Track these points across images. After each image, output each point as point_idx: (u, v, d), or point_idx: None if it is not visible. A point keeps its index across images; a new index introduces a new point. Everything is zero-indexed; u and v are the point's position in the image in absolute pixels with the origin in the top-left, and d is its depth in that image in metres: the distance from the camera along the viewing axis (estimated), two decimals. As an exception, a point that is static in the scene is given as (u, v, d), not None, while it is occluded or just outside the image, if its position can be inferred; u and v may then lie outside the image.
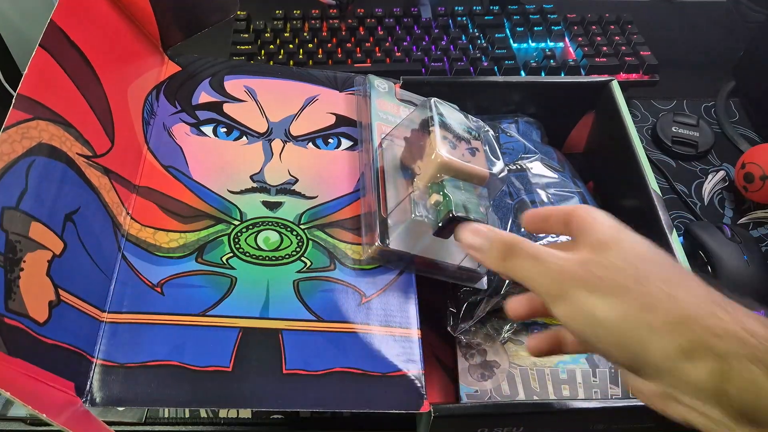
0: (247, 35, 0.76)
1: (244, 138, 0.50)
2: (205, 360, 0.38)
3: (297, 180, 0.48)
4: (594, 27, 0.78)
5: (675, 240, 0.46)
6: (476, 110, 0.59)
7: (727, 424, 0.24)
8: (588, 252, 0.29)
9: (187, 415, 0.49)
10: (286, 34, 0.76)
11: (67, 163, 0.39)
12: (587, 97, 0.60)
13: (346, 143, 0.51)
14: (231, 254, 0.43)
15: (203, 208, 0.45)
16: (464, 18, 0.80)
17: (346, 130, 0.52)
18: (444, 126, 0.43)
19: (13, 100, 0.36)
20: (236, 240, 0.44)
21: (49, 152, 0.38)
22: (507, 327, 0.49)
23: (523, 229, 0.41)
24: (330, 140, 0.51)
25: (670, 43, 0.84)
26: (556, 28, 0.79)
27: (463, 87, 0.60)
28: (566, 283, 0.28)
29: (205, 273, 0.42)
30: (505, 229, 0.47)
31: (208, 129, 0.50)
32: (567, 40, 0.79)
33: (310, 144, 0.51)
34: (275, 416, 0.50)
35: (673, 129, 0.72)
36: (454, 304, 0.48)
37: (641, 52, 0.74)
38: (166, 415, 0.49)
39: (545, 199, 0.53)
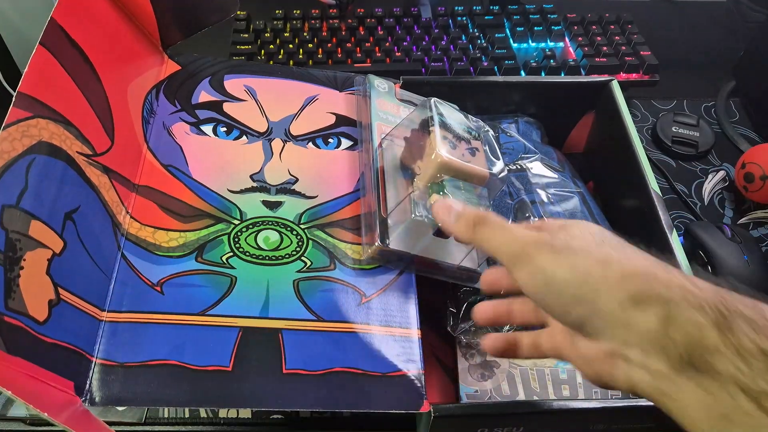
0: (247, 35, 0.76)
1: (244, 137, 0.50)
2: (205, 359, 0.38)
3: (297, 180, 0.48)
4: (594, 27, 0.78)
5: (675, 240, 0.46)
6: (476, 110, 0.59)
7: (669, 377, 0.25)
8: (549, 230, 0.32)
9: (187, 415, 0.49)
10: (286, 34, 0.76)
11: (67, 161, 0.39)
12: (587, 97, 0.60)
13: (346, 143, 0.51)
14: (231, 254, 0.43)
15: (203, 207, 0.45)
16: (464, 18, 0.80)
17: (346, 129, 0.52)
18: (444, 126, 0.43)
19: (14, 98, 0.36)
20: (236, 239, 0.44)
21: (49, 151, 0.37)
22: (506, 327, 0.49)
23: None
24: (330, 140, 0.51)
25: (670, 43, 0.84)
26: (556, 28, 0.79)
27: (463, 87, 0.60)
28: (530, 246, 0.30)
29: (204, 272, 0.42)
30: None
31: (207, 128, 0.50)
32: (567, 40, 0.79)
33: (310, 144, 0.51)
34: (275, 416, 0.50)
35: (674, 129, 0.72)
36: (454, 304, 0.48)
37: (641, 52, 0.74)
38: (166, 415, 0.49)
39: (545, 199, 0.53)
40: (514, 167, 0.55)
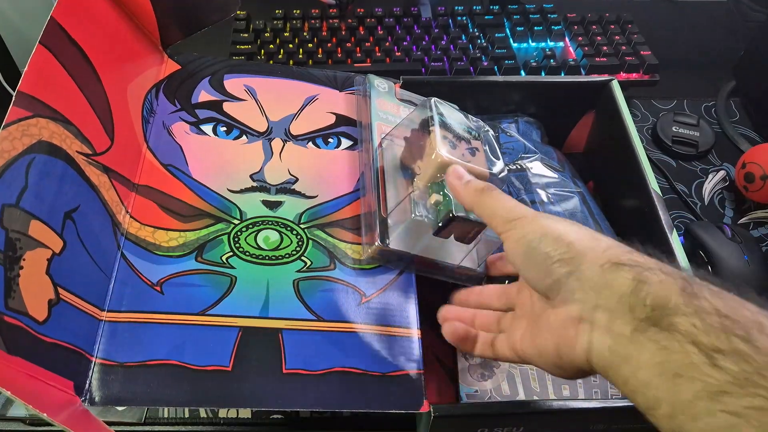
0: (246, 35, 0.76)
1: (244, 137, 0.50)
2: (205, 359, 0.38)
3: (297, 179, 0.48)
4: (594, 26, 0.78)
5: (675, 240, 0.46)
6: (476, 110, 0.59)
7: (630, 338, 0.27)
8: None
9: (187, 415, 0.49)
10: (286, 34, 0.76)
11: (66, 161, 0.39)
12: (587, 97, 0.60)
13: (346, 143, 0.51)
14: (231, 253, 0.43)
15: (203, 207, 0.45)
16: (464, 18, 0.80)
17: (346, 129, 0.52)
18: (444, 126, 0.43)
19: (13, 98, 0.36)
20: (236, 239, 0.44)
21: (49, 150, 0.37)
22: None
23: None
24: (330, 140, 0.51)
25: (670, 42, 0.84)
26: (556, 27, 0.79)
27: (463, 87, 0.60)
28: (527, 212, 0.34)
29: (204, 272, 0.42)
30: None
31: (207, 128, 0.50)
32: (567, 39, 0.79)
33: (310, 143, 0.50)
34: (275, 416, 0.50)
35: (674, 129, 0.72)
36: (454, 304, 0.48)
37: (641, 52, 0.74)
38: (166, 415, 0.49)
39: (545, 199, 0.53)
40: (514, 167, 0.55)
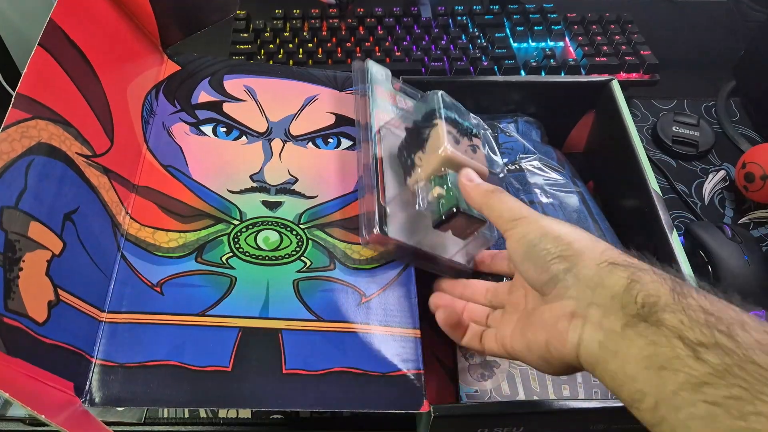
0: (246, 35, 0.76)
1: (244, 137, 0.50)
2: (205, 360, 0.38)
3: (297, 180, 0.48)
4: (594, 26, 0.78)
5: (675, 240, 0.46)
6: (476, 110, 0.59)
7: (620, 334, 0.28)
8: None
9: (187, 415, 0.49)
10: (286, 34, 0.76)
11: (66, 162, 0.39)
12: (587, 97, 0.60)
13: (345, 143, 0.51)
14: (231, 254, 0.43)
15: (203, 207, 0.45)
16: (464, 17, 0.80)
17: (346, 129, 0.52)
18: (449, 120, 0.43)
19: (12, 99, 0.36)
20: (236, 240, 0.44)
21: (49, 151, 0.37)
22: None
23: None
24: (330, 140, 0.51)
25: (670, 42, 0.84)
26: (556, 27, 0.79)
27: (463, 87, 0.60)
28: (531, 212, 0.35)
29: (204, 273, 0.42)
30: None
31: (207, 128, 0.50)
32: (567, 39, 0.78)
33: (310, 144, 0.50)
34: (275, 416, 0.50)
35: (674, 128, 0.72)
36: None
37: (641, 52, 0.74)
38: (166, 416, 0.49)
39: (544, 200, 0.53)
40: (513, 167, 0.55)
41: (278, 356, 0.39)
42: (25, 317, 0.33)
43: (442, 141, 0.41)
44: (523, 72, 0.74)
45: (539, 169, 0.55)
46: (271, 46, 0.75)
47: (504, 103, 0.61)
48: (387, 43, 0.76)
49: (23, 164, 0.35)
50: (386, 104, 0.51)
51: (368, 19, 0.78)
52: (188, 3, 0.51)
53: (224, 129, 0.50)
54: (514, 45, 0.77)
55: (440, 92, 0.45)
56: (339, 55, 0.75)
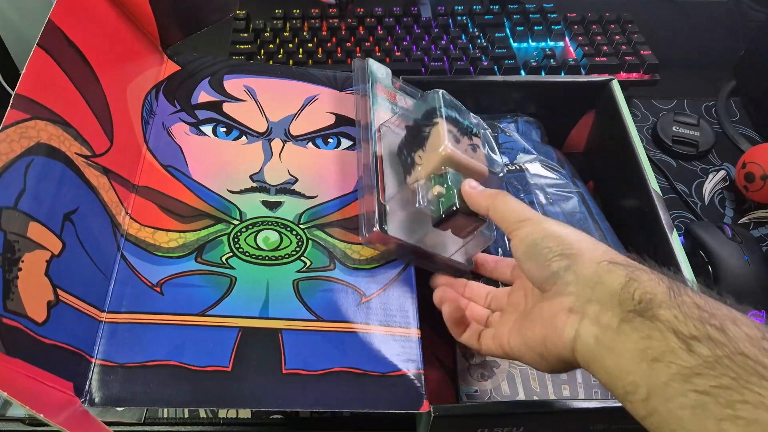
0: (246, 34, 0.76)
1: (244, 137, 0.50)
2: (205, 360, 0.38)
3: (297, 180, 0.48)
4: (594, 26, 0.78)
5: (675, 240, 0.46)
6: (476, 110, 0.59)
7: (616, 329, 0.29)
8: None
9: (187, 416, 0.49)
10: (286, 34, 0.76)
11: (65, 162, 0.39)
12: (587, 97, 0.60)
13: (345, 143, 0.51)
14: (230, 254, 0.43)
15: (203, 207, 0.45)
16: (464, 17, 0.80)
17: (346, 129, 0.52)
18: (450, 119, 0.43)
19: (11, 100, 0.35)
20: (236, 240, 0.44)
21: (48, 152, 0.37)
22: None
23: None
24: (330, 140, 0.51)
25: (670, 42, 0.84)
26: (556, 27, 0.79)
27: (463, 87, 0.60)
28: (535, 215, 0.36)
29: (204, 273, 0.42)
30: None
31: (207, 128, 0.49)
32: (567, 39, 0.78)
33: (310, 144, 0.50)
34: (275, 416, 0.50)
35: (674, 128, 0.72)
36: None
37: (642, 52, 0.74)
38: (165, 416, 0.49)
39: (543, 200, 0.53)
40: (513, 167, 0.55)
41: (278, 356, 0.39)
42: (24, 317, 0.33)
43: (443, 140, 0.41)
44: (523, 72, 0.74)
45: (539, 169, 0.55)
46: (271, 46, 0.75)
47: (504, 103, 0.61)
48: (387, 43, 0.76)
49: (22, 165, 0.35)
50: (386, 103, 0.51)
51: (368, 19, 0.78)
52: (188, 3, 0.51)
53: (224, 129, 0.50)
54: (514, 45, 0.77)
55: (441, 91, 0.45)
56: (339, 55, 0.75)
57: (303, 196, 0.47)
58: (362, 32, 0.77)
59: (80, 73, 0.42)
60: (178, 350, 0.38)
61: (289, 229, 0.45)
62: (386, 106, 0.50)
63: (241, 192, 0.46)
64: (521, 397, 0.46)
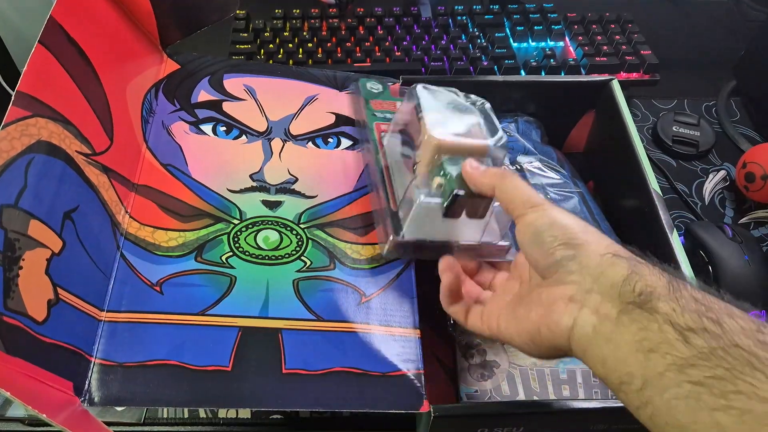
0: (246, 34, 0.76)
1: (244, 137, 0.50)
2: (205, 359, 0.38)
3: (297, 179, 0.48)
4: (594, 26, 0.78)
5: (675, 240, 0.46)
6: (476, 109, 0.59)
7: (614, 320, 0.29)
8: None
9: (186, 415, 0.49)
10: (286, 34, 0.76)
11: (66, 160, 0.39)
12: (587, 97, 0.60)
13: (345, 142, 0.51)
14: (230, 253, 0.43)
15: (202, 206, 0.45)
16: (464, 17, 0.80)
17: (346, 129, 0.52)
18: (433, 109, 0.43)
19: (12, 97, 0.35)
20: (236, 239, 0.44)
21: (48, 150, 0.37)
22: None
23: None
24: (330, 139, 0.51)
25: (670, 42, 0.84)
26: (556, 27, 0.78)
27: (463, 87, 0.59)
28: (544, 201, 0.36)
29: (204, 272, 0.42)
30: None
31: (207, 127, 0.49)
32: (567, 39, 0.78)
33: (310, 143, 0.50)
34: (275, 416, 0.50)
35: (674, 128, 0.72)
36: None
37: (642, 52, 0.74)
38: (165, 415, 0.49)
39: (545, 199, 0.52)
40: (513, 167, 0.55)
41: (278, 356, 0.39)
42: (24, 316, 0.33)
43: (426, 130, 0.41)
44: (523, 72, 0.74)
45: (539, 169, 0.55)
46: (271, 45, 0.75)
47: (504, 102, 0.61)
48: (387, 43, 0.76)
49: (23, 162, 0.35)
50: (386, 114, 0.51)
51: (368, 19, 0.78)
52: (188, 2, 0.51)
53: (224, 128, 0.50)
54: (514, 45, 0.77)
55: (419, 85, 0.45)
56: (339, 55, 0.75)
57: (303, 195, 0.47)
58: (362, 32, 0.77)
59: (81, 71, 0.42)
60: (178, 350, 0.38)
61: (289, 228, 0.45)
62: (386, 119, 0.51)
63: (241, 191, 0.46)
64: (521, 397, 0.46)
